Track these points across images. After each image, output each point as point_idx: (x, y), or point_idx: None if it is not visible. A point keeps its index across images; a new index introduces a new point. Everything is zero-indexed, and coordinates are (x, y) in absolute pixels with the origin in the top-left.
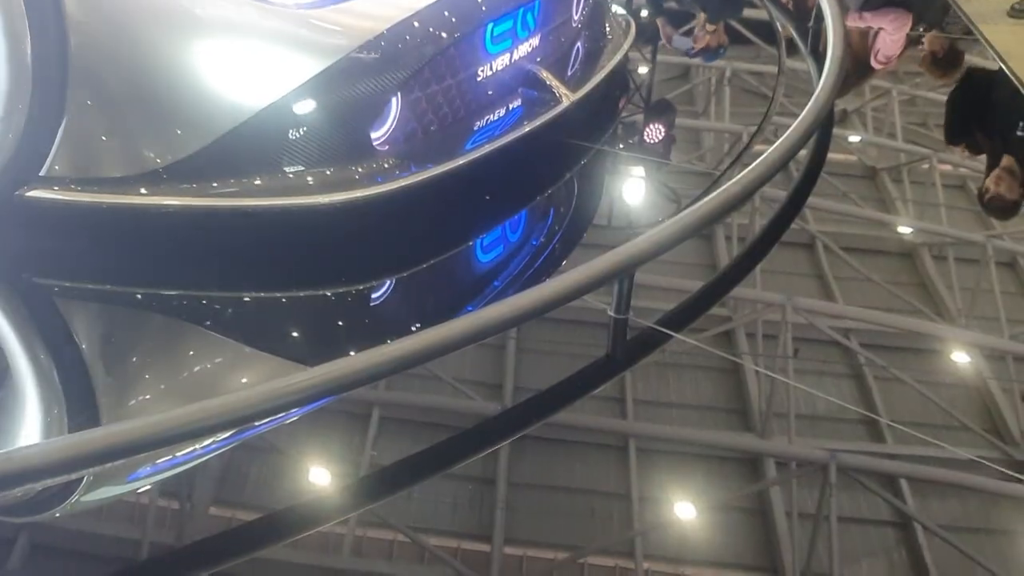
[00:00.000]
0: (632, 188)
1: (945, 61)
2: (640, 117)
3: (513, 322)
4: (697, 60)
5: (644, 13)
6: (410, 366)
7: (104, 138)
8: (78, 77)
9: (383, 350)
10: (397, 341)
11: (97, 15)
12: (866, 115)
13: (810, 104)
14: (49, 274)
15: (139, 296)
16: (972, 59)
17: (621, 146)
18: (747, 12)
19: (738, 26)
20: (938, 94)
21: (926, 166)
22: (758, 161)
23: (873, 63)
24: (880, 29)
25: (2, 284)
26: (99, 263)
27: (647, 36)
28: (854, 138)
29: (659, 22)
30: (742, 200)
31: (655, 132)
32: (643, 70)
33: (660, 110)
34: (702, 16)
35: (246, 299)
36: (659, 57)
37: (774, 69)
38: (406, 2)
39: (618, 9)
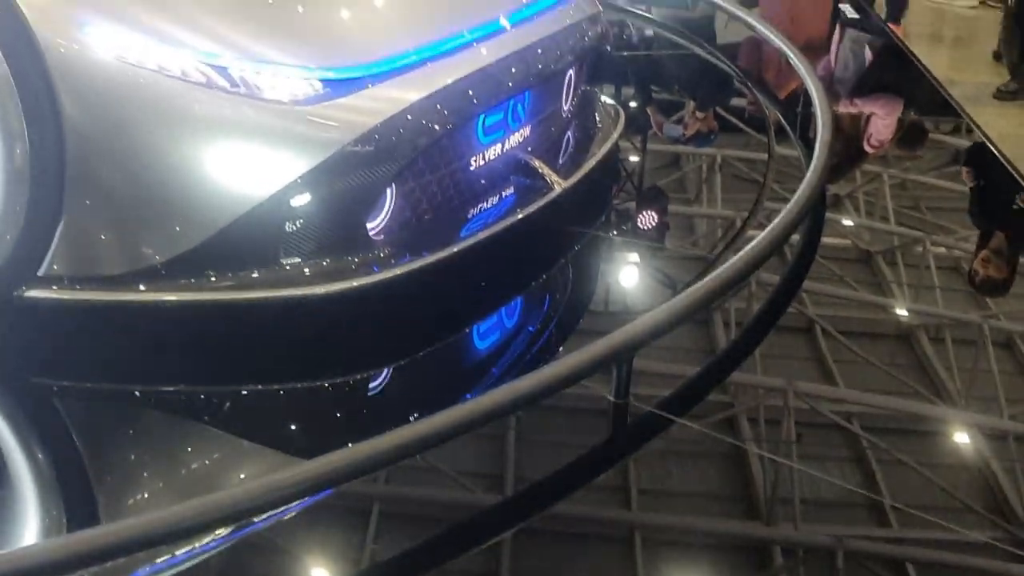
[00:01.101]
0: (627, 274)
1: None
2: (633, 204)
3: (512, 407)
4: (688, 147)
5: (633, 104)
6: (409, 455)
7: (102, 236)
8: (75, 176)
9: (382, 440)
10: (395, 430)
11: (94, 114)
12: (858, 199)
13: (801, 187)
14: (48, 374)
15: (137, 393)
16: (960, 140)
17: (615, 232)
18: (736, 101)
19: (727, 114)
20: (928, 178)
21: (920, 249)
22: (752, 244)
23: (866, 147)
24: (872, 114)
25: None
26: (98, 361)
27: (638, 125)
28: (847, 222)
29: (649, 111)
30: (738, 282)
31: (648, 219)
32: (634, 158)
33: (652, 197)
34: (692, 103)
35: (244, 392)
36: (650, 145)
37: (764, 155)
38: (399, 95)
39: (607, 99)
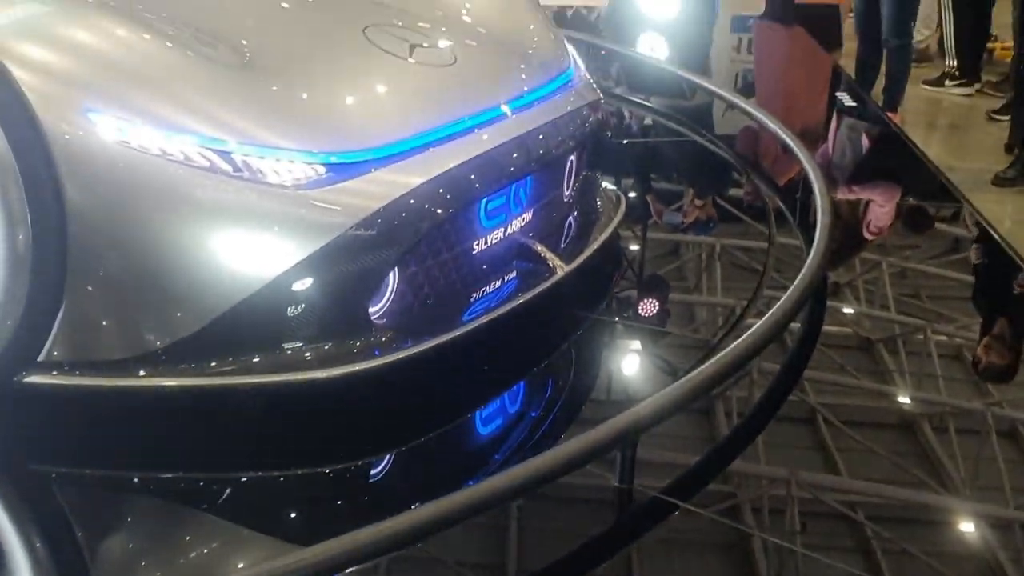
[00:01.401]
0: (629, 360)
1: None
2: (634, 292)
3: (515, 493)
4: (688, 236)
5: (632, 193)
6: (410, 543)
7: (103, 321)
8: (77, 262)
9: (382, 527)
10: (395, 517)
11: (97, 199)
12: (858, 288)
13: (803, 272)
14: (46, 460)
15: (136, 480)
16: (958, 229)
17: (616, 319)
18: (735, 190)
19: (725, 204)
20: (928, 266)
21: (921, 337)
22: (755, 327)
23: (865, 234)
24: (870, 201)
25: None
26: (97, 447)
27: (637, 214)
28: (848, 310)
29: (649, 199)
30: (741, 366)
31: (649, 307)
32: (635, 247)
33: (653, 285)
34: (690, 191)
35: (243, 479)
36: (650, 234)
37: (764, 244)
38: (402, 179)
39: (608, 184)
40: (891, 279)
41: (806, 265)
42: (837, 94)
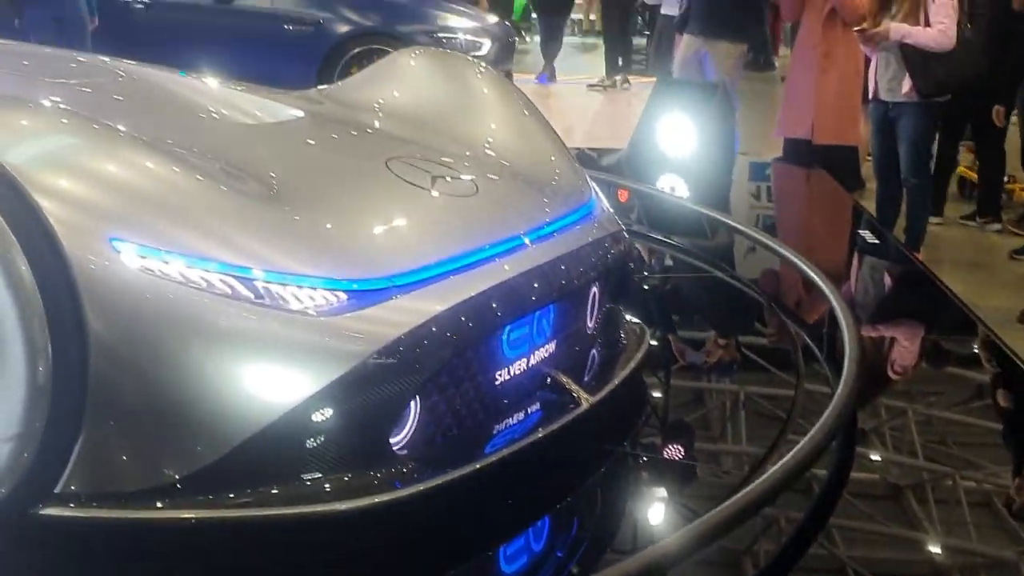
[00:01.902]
0: (654, 507)
1: None
2: (658, 440)
3: None
4: (711, 384)
5: (654, 341)
6: None
7: (121, 452)
8: (97, 392)
9: None
10: None
11: (118, 328)
12: (884, 434)
13: (831, 406)
14: None
15: None
16: (982, 375)
17: (642, 454)
18: (758, 339)
19: (749, 352)
20: (953, 413)
21: (950, 483)
22: (782, 461)
23: (890, 372)
24: (895, 339)
25: None
26: None
27: (661, 361)
28: (875, 457)
29: (671, 339)
30: (768, 501)
31: (674, 452)
32: (657, 394)
33: (677, 432)
34: (713, 333)
35: None
36: (673, 381)
37: (788, 392)
38: (423, 307)
39: (632, 318)
40: (917, 426)
41: (834, 399)
42: (859, 232)
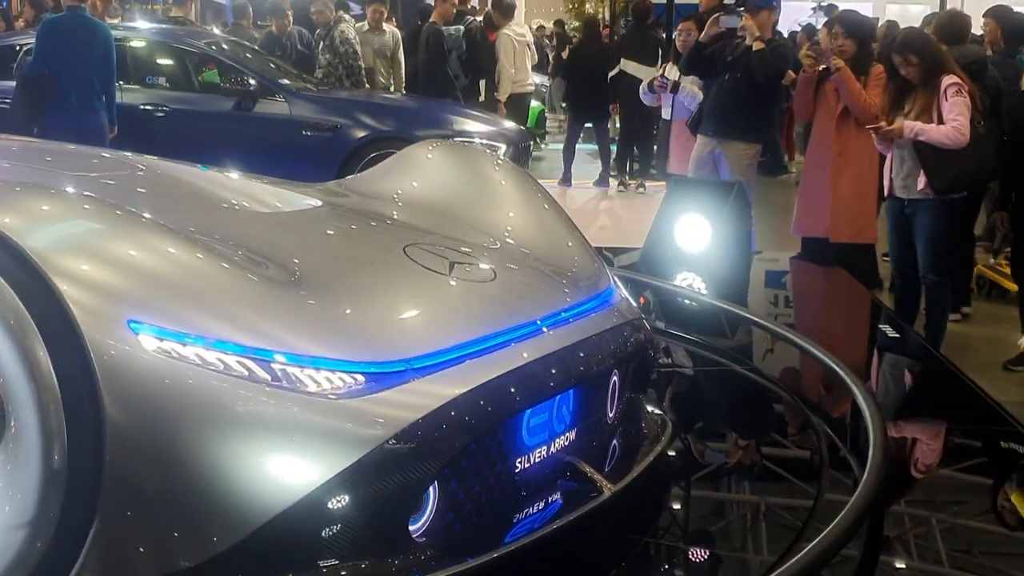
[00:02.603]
0: None
1: None
2: (679, 544)
3: None
4: (731, 495)
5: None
6: None
7: (134, 540)
8: (112, 479)
9: None
10: None
11: (134, 413)
12: (909, 542)
13: (857, 492)
14: None
15: None
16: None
17: (666, 543)
18: (780, 450)
19: (769, 463)
20: (978, 522)
21: None
22: (810, 547)
23: (913, 473)
24: (916, 439)
25: None
26: None
27: (680, 467)
28: (900, 565)
29: (690, 439)
30: None
31: (695, 544)
32: (677, 505)
33: (697, 540)
34: (734, 435)
35: None
36: (693, 492)
37: (808, 503)
38: (441, 391)
39: (653, 408)
40: (942, 534)
41: (860, 485)
42: (880, 328)
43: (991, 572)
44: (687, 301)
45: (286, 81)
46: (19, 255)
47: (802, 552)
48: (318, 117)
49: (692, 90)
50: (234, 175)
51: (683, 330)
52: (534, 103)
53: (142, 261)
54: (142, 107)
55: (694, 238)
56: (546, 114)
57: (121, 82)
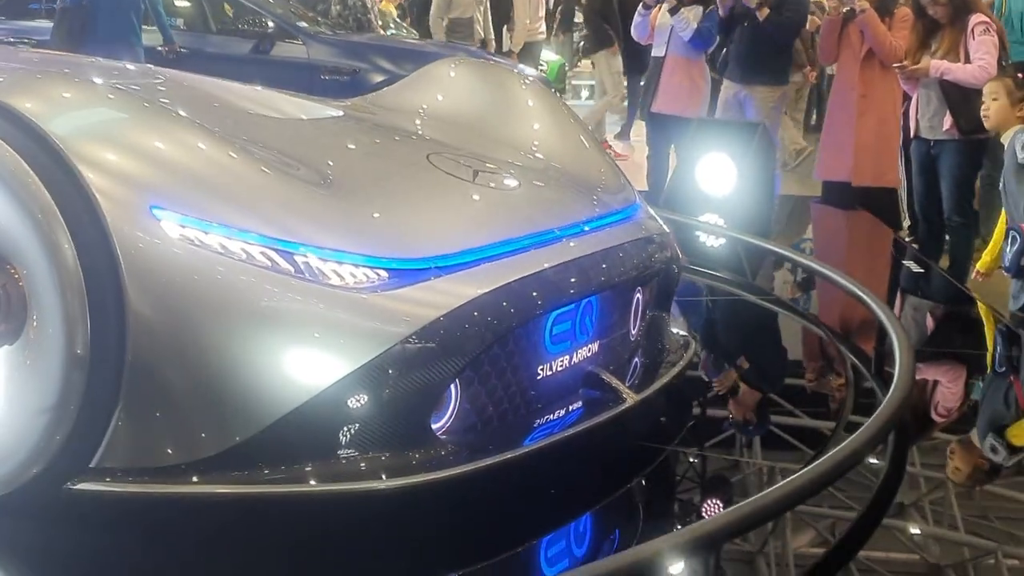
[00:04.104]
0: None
1: None
2: (697, 496)
3: None
4: (752, 416)
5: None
6: None
7: (157, 426)
8: (134, 364)
9: None
10: None
11: (156, 299)
12: (924, 508)
13: (885, 401)
14: (93, 574)
15: None
16: None
17: (693, 457)
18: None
19: (795, 389)
20: (995, 487)
21: (991, 561)
22: (840, 447)
23: (934, 416)
24: (937, 382)
25: None
26: (148, 560)
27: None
28: (914, 530)
29: (711, 362)
30: (823, 486)
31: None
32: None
33: (716, 487)
34: (757, 359)
35: None
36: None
37: (831, 424)
38: (463, 290)
39: (679, 330)
40: (958, 499)
41: (889, 392)
42: (904, 262)
43: (1006, 537)
44: (709, 237)
45: (303, 24)
46: (42, 140)
47: (826, 456)
48: (336, 61)
49: (687, 18)
50: (255, 87)
51: (706, 265)
52: (554, 57)
53: (168, 151)
54: (159, 48)
55: (717, 179)
56: (566, 67)
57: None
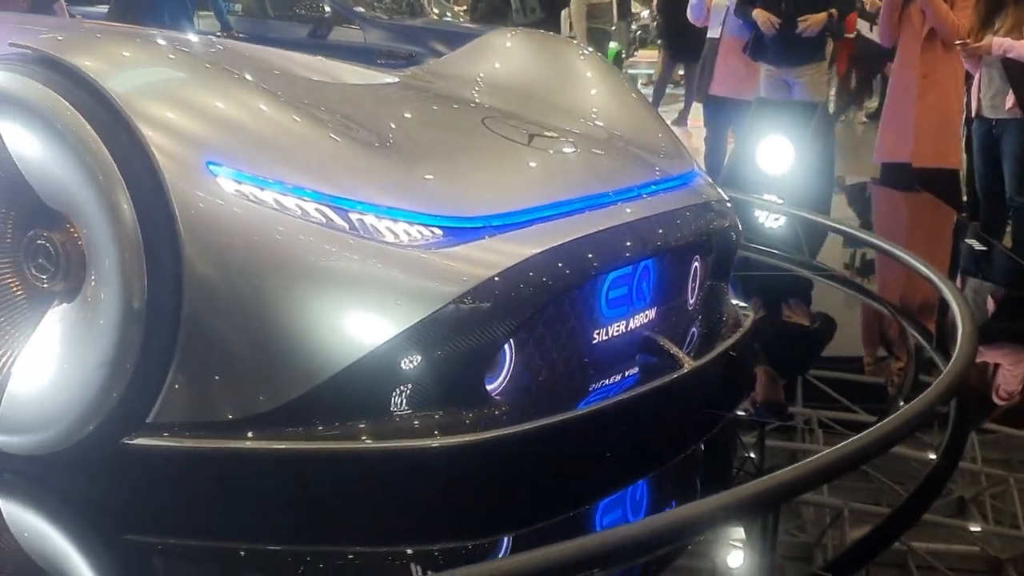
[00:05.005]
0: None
1: None
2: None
3: (654, 543)
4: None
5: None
6: None
7: (212, 381)
8: (189, 319)
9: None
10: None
11: (212, 255)
12: (985, 504)
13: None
14: (150, 530)
15: (243, 553)
16: None
17: (751, 425)
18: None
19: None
20: None
21: None
22: (911, 404)
23: (995, 399)
24: (998, 365)
25: (99, 542)
26: (202, 515)
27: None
28: (975, 528)
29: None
30: (891, 444)
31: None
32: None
33: (773, 456)
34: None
35: (350, 556)
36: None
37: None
38: (517, 250)
39: (739, 302)
40: (1020, 495)
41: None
42: (965, 240)
43: None
44: (768, 216)
45: (360, 8)
46: (102, 98)
47: (890, 417)
48: (392, 45)
49: None
50: (319, 57)
51: (763, 243)
52: (612, 44)
53: (225, 109)
54: (216, 35)
55: (776, 160)
56: (623, 55)
57: (198, 11)
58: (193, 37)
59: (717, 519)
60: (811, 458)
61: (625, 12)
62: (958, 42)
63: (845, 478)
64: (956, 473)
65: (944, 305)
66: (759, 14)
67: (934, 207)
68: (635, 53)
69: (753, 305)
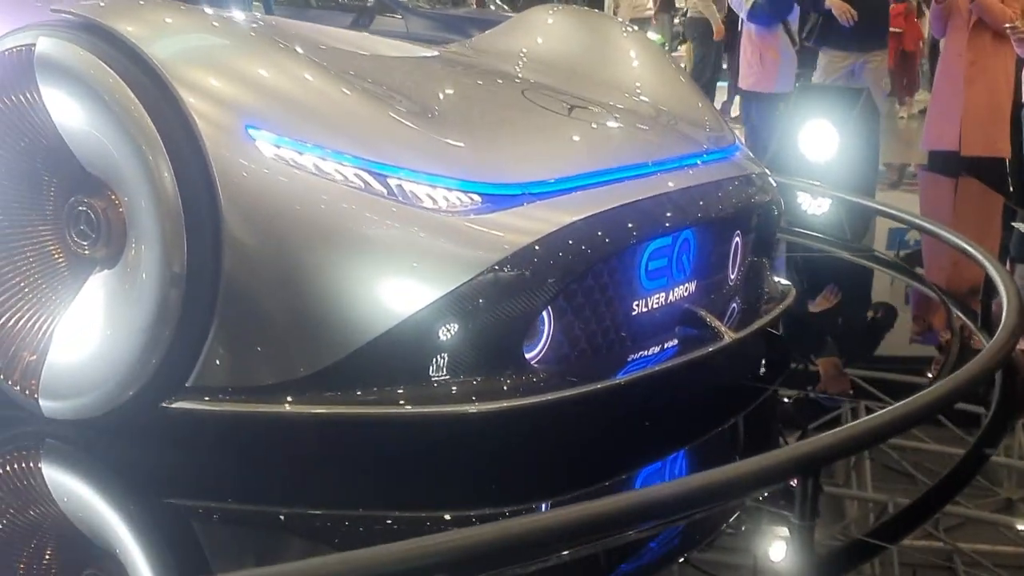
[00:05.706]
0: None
1: None
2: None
3: (688, 503)
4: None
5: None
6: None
7: (251, 346)
8: (228, 283)
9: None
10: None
11: (250, 219)
12: None
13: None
14: (190, 493)
15: (282, 517)
16: None
17: (790, 391)
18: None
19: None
20: None
21: None
22: (949, 378)
23: None
24: None
25: (139, 504)
26: (241, 479)
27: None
28: (1021, 527)
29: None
30: (930, 414)
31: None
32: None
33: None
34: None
35: (388, 521)
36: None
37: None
38: (556, 217)
39: (780, 278)
40: None
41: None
42: (1013, 224)
43: None
44: (811, 201)
45: None
46: (143, 63)
47: (935, 385)
48: (434, 34)
49: None
50: (363, 32)
51: (807, 226)
52: (654, 35)
53: (265, 74)
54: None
55: (820, 145)
56: (666, 48)
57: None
58: (240, 13)
59: (754, 485)
60: (850, 424)
61: (668, 5)
62: (1007, 25)
63: (891, 475)
64: (1003, 473)
65: (990, 287)
66: (837, 5)
67: (982, 194)
68: (678, 47)
69: (794, 282)
